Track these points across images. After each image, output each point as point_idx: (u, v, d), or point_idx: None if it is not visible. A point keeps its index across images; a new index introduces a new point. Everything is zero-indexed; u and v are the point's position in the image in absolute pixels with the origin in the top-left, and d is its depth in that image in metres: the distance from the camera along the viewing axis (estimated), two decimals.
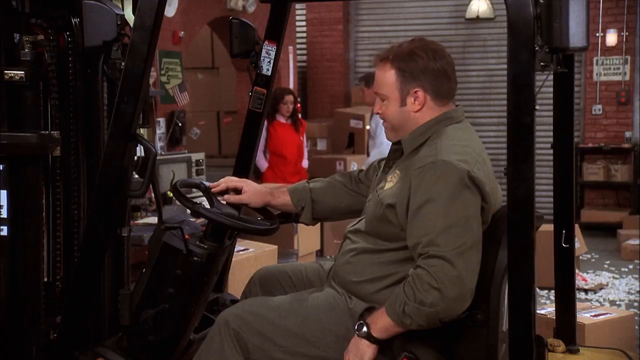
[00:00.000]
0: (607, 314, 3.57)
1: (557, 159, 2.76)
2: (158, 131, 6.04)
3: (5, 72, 2.35)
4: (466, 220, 2.14)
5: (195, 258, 2.44)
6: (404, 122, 2.41)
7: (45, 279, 2.71)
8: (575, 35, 1.88)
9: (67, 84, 2.57)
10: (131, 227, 2.81)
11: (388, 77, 2.40)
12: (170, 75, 6.28)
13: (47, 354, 2.50)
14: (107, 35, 2.30)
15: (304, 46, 11.16)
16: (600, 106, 10.18)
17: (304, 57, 11.17)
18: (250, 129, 2.96)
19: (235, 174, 2.90)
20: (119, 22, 2.28)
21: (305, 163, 7.88)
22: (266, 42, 2.94)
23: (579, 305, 3.85)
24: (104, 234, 2.32)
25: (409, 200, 2.25)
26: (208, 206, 2.63)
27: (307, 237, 7.09)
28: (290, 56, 8.91)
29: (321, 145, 9.99)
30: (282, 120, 7.58)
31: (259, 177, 7.62)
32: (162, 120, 6.11)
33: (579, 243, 7.56)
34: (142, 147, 2.37)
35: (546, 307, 3.76)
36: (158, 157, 5.62)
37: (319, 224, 3.24)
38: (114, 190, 2.28)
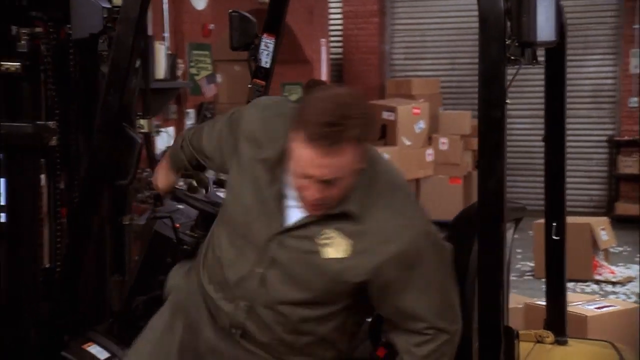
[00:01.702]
0: (610, 306, 3.51)
1: (548, 153, 2.73)
2: (188, 122, 6.10)
3: (2, 63, 2.40)
4: None
5: (184, 246, 2.46)
6: None
7: (47, 265, 2.77)
8: (544, 30, 1.86)
9: (68, 76, 2.62)
10: (133, 215, 2.85)
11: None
12: (200, 67, 6.33)
13: (44, 337, 2.55)
14: (94, 27, 2.33)
15: (339, 39, 11.15)
16: (636, 99, 9.95)
17: (340, 50, 11.16)
18: None
19: None
20: (105, 15, 2.30)
21: None
22: (265, 35, 2.95)
23: (584, 297, 3.81)
24: (91, 221, 2.35)
25: None
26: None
27: None
28: (323, 49, 8.90)
29: None
30: None
31: None
32: (191, 112, 6.17)
33: (607, 236, 7.43)
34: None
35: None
36: None
37: None
38: (101, 180, 2.32)
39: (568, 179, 9.45)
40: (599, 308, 3.50)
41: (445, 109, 10.33)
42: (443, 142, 9.69)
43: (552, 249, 2.71)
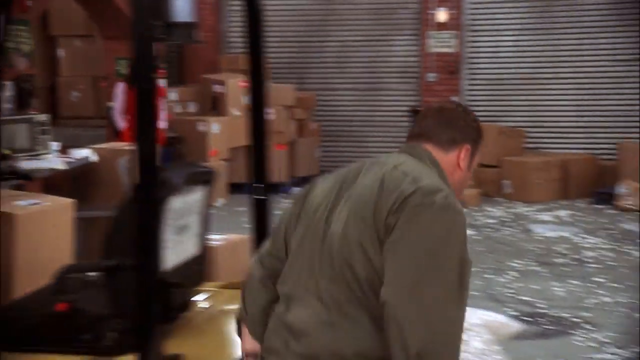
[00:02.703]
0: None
1: (252, 123, 2.72)
2: (7, 94, 5.78)
3: None
4: None
5: None
6: None
7: None
8: (182, 11, 1.82)
9: None
10: None
11: None
12: (21, 41, 5.99)
13: None
14: None
15: None
16: (434, 74, 10.28)
17: None
18: None
19: None
20: None
21: (162, 124, 7.69)
22: None
23: None
24: None
25: None
26: None
27: None
28: None
29: (191, 107, 9.83)
30: None
31: (117, 135, 7.45)
32: (9, 84, 5.84)
33: None
34: None
35: None
36: (2, 118, 5.38)
37: None
38: None
39: (378, 143, 9.73)
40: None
41: (274, 82, 10.30)
42: (269, 112, 9.66)
43: (257, 207, 2.72)
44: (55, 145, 6.03)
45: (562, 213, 8.42)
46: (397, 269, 1.58)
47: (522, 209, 8.74)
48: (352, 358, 1.63)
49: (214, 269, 3.75)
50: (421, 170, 1.76)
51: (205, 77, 9.56)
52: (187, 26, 1.98)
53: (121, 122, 7.43)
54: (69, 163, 5.70)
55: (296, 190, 9.79)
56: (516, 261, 6.40)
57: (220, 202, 8.90)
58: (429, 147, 1.85)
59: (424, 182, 1.69)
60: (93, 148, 6.12)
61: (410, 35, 10.47)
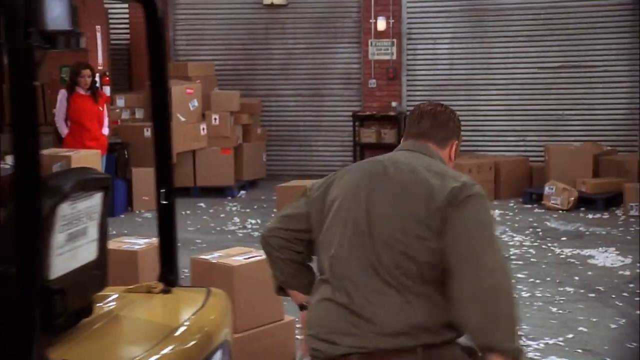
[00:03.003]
0: (257, 256, 3.55)
1: (156, 129, 2.67)
2: None
3: None
4: None
5: None
6: None
7: None
8: (57, 19, 1.77)
9: None
10: None
11: None
12: None
13: None
14: None
15: (126, 27, 10.75)
16: (374, 80, 10.32)
17: (127, 37, 10.77)
18: None
19: None
20: None
21: (105, 130, 7.60)
22: None
23: (241, 250, 3.85)
24: None
25: None
26: None
27: None
28: (99, 35, 8.49)
29: (139, 114, 9.69)
30: (81, 92, 7.30)
31: (60, 141, 7.31)
32: None
33: None
34: None
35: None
36: None
37: None
38: None
39: (322, 147, 9.74)
40: (247, 259, 3.52)
41: (220, 89, 10.24)
42: (215, 118, 9.60)
43: (162, 211, 2.67)
44: None
45: (493, 212, 8.52)
46: (463, 246, 1.98)
47: None
48: (435, 328, 1.99)
49: (137, 273, 3.69)
50: (446, 168, 2.17)
51: (149, 84, 9.41)
52: (70, 34, 1.93)
53: (64, 129, 7.29)
54: (4, 169, 5.56)
55: (242, 193, 9.74)
56: None
57: None
58: (431, 146, 2.22)
59: (462, 177, 2.10)
60: None
61: (352, 43, 10.50)
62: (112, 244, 4.23)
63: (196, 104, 9.49)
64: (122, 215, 8.43)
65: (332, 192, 2.16)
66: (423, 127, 2.24)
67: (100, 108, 7.43)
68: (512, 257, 6.43)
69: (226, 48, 10.80)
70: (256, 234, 7.58)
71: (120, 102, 9.73)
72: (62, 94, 7.29)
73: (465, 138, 10.02)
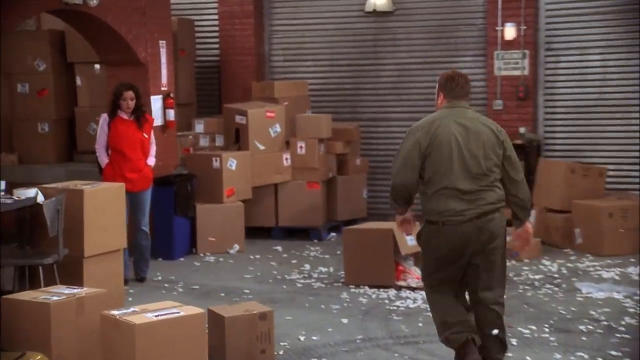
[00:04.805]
0: (174, 313, 3.86)
1: None
2: None
3: None
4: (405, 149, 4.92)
5: None
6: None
7: None
8: None
9: None
10: None
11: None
12: None
13: None
14: None
15: (216, 40, 11.58)
16: (501, 101, 10.27)
17: (217, 52, 11.59)
18: None
19: None
20: None
21: (151, 161, 8.02)
22: None
23: (165, 305, 4.19)
24: None
25: None
26: None
27: None
28: (163, 50, 9.28)
29: (219, 140, 10.35)
30: (124, 116, 7.86)
31: (100, 172, 8.02)
32: None
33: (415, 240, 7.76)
34: None
35: None
36: None
37: None
38: None
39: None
40: (158, 316, 3.86)
41: (315, 112, 10.70)
42: (301, 146, 10.03)
43: None
44: (1, 185, 6.73)
45: (632, 270, 8.17)
46: (513, 162, 4.95)
47: (587, 263, 8.51)
48: (498, 203, 4.88)
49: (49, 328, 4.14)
50: (479, 114, 5.20)
51: (227, 106, 10.09)
52: None
53: (104, 158, 7.92)
54: (7, 204, 6.34)
55: (333, 235, 10.06)
56: (529, 326, 6.35)
57: (235, 248, 9.34)
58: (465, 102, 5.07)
59: (490, 121, 5.08)
60: (42, 187, 6.77)
61: (475, 55, 10.52)
62: (27, 295, 4.81)
63: (279, 129, 9.99)
64: (182, 259, 9.09)
65: (435, 136, 4.95)
66: (462, 90, 5.07)
67: (145, 135, 7.91)
68: (621, 329, 6.18)
69: (328, 64, 11.24)
70: (319, 284, 7.88)
71: (199, 127, 10.47)
72: (103, 118, 7.90)
73: (615, 175, 9.73)
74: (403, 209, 5.03)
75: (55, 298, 4.49)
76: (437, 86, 5.08)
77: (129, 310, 4.04)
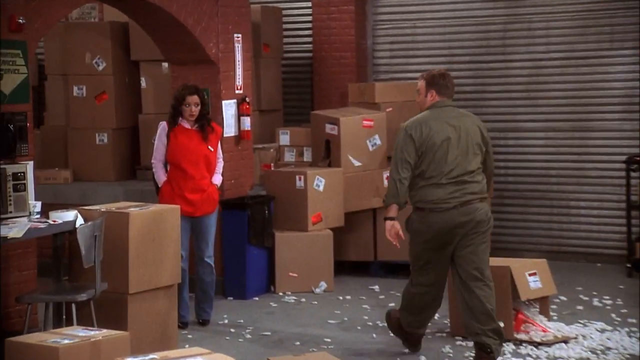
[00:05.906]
0: None
1: None
2: None
3: None
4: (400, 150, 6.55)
5: None
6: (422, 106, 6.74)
7: None
8: None
9: None
10: None
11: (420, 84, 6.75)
12: (9, 69, 6.78)
13: None
14: None
15: (309, 32, 11.54)
16: None
17: (309, 47, 11.54)
18: None
19: None
20: None
21: (216, 179, 8.03)
22: None
23: None
24: None
25: None
26: None
27: None
28: (238, 45, 9.28)
29: (307, 155, 10.23)
30: (186, 125, 7.81)
31: (157, 192, 8.01)
32: None
33: (542, 282, 7.44)
34: None
35: None
36: None
37: None
38: None
39: (586, 208, 10.51)
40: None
41: None
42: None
43: None
44: (37, 206, 6.83)
45: None
46: (491, 156, 6.77)
47: None
48: (480, 193, 6.57)
49: None
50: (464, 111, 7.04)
51: (315, 113, 9.99)
52: None
53: (161, 174, 7.91)
54: (39, 229, 6.43)
55: None
56: None
57: (321, 286, 9.19)
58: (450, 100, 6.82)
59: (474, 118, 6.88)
60: (82, 209, 6.83)
61: (634, 48, 10.14)
62: (35, 337, 4.80)
63: (378, 141, 9.82)
64: (256, 298, 9.03)
65: (430, 137, 6.50)
66: (451, 89, 6.74)
67: (210, 148, 7.87)
68: None
69: (445, 61, 10.99)
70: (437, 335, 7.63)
71: (284, 138, 10.39)
72: (162, 127, 7.84)
73: None
74: (395, 210, 6.53)
75: (66, 341, 4.54)
76: (422, 83, 6.67)
77: (147, 358, 3.98)
